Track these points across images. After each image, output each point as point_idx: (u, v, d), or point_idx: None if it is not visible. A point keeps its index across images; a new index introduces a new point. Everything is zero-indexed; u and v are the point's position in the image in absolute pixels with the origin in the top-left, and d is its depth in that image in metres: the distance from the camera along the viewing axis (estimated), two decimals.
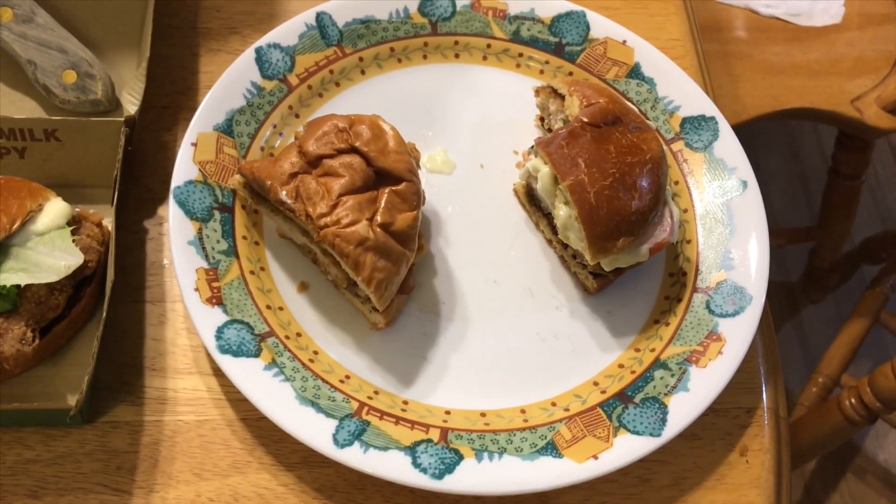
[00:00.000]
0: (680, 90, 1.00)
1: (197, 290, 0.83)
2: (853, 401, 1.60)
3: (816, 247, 2.17)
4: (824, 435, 1.70)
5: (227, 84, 0.94)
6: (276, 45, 0.98)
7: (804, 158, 2.43)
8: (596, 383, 0.87)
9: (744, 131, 1.71)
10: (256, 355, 0.82)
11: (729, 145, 0.97)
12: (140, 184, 0.94)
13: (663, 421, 0.82)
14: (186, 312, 0.87)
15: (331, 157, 0.84)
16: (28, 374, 0.82)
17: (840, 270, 2.22)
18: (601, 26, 1.03)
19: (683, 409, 0.83)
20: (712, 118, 0.99)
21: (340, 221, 0.81)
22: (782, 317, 2.24)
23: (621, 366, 0.88)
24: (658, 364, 0.86)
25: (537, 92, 0.99)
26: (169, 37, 1.03)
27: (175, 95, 1.00)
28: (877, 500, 2.04)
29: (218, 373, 0.85)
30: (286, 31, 0.99)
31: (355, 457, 0.78)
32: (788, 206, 2.38)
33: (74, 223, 0.84)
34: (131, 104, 0.91)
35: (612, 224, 0.84)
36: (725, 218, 0.94)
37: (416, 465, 0.78)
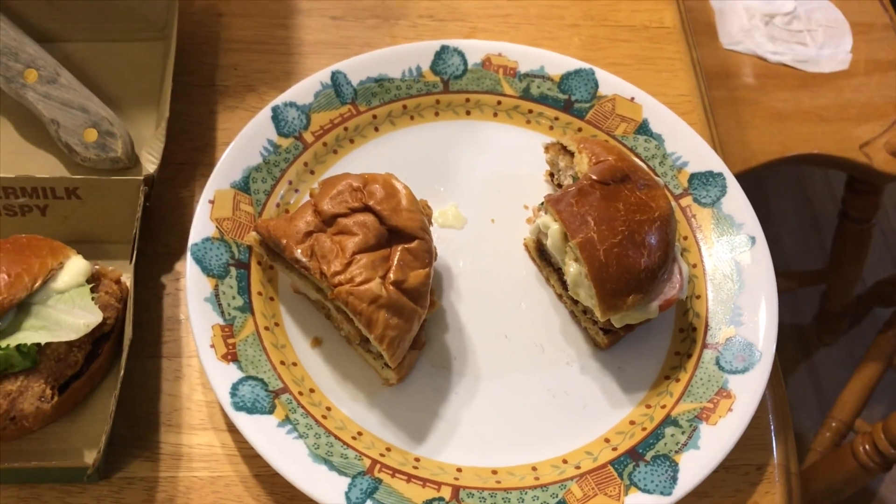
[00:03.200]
0: (688, 146, 1.02)
1: (213, 346, 0.85)
2: (867, 447, 1.59)
3: (828, 290, 2.18)
4: (838, 482, 1.68)
5: (244, 142, 0.97)
6: (292, 104, 1.00)
7: (815, 201, 2.44)
8: (607, 440, 0.87)
9: (753, 175, 1.72)
10: (270, 412, 0.83)
11: (737, 201, 0.99)
12: (158, 239, 0.96)
13: (674, 479, 0.82)
14: (202, 368, 0.89)
15: (345, 215, 0.86)
16: (46, 430, 0.83)
17: (852, 313, 2.22)
18: (609, 83, 1.05)
19: (694, 466, 0.83)
20: (720, 174, 1.00)
21: (354, 279, 0.82)
22: (795, 360, 2.23)
23: (632, 422, 0.88)
24: (669, 421, 0.87)
25: (547, 148, 1.00)
26: (188, 94, 1.06)
27: (193, 152, 1.02)
28: None
29: (232, 428, 0.86)
30: (302, 90, 1.01)
31: None
32: (800, 249, 2.38)
33: (93, 280, 0.85)
34: (150, 163, 0.93)
35: (622, 281, 0.85)
36: (734, 273, 0.95)
37: None
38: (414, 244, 0.85)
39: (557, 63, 1.06)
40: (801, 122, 1.83)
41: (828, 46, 1.92)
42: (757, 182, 2.44)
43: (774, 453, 0.90)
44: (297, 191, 0.98)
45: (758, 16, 1.93)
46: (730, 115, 1.79)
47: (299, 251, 0.84)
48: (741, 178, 1.69)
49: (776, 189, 2.43)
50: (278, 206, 0.96)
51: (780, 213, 2.40)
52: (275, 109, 0.99)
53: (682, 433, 0.85)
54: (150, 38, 1.07)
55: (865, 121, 1.83)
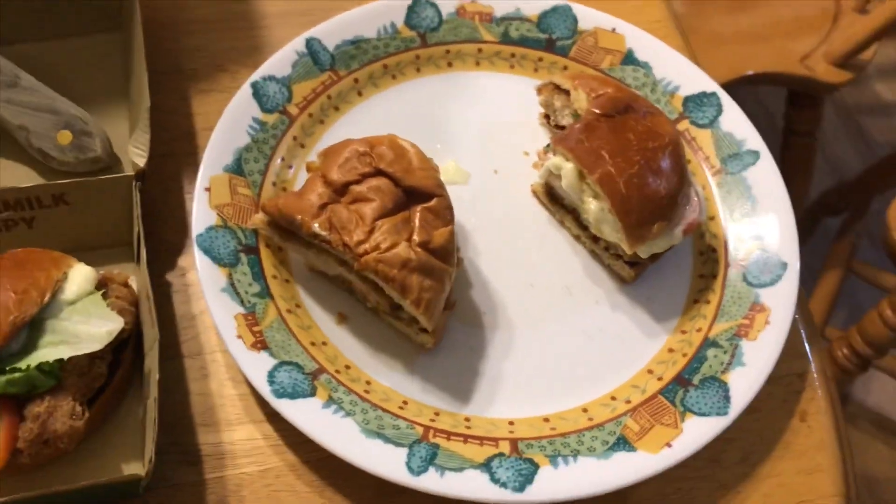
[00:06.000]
0: (677, 70, 1.01)
1: (240, 337, 0.81)
2: (845, 351, 1.64)
3: None
4: None
5: (230, 123, 0.92)
6: (271, 78, 0.96)
7: (753, 122, 2.48)
8: (650, 371, 0.86)
9: None
10: (312, 394, 0.80)
11: (734, 118, 0.98)
12: (154, 236, 0.91)
13: (727, 398, 0.82)
14: (228, 361, 0.85)
15: (357, 182, 0.82)
16: (78, 450, 0.78)
17: (803, 227, 2.26)
18: (588, 17, 1.04)
19: (744, 383, 0.83)
20: (713, 94, 1.00)
21: (380, 246, 0.79)
22: None
23: (671, 350, 0.88)
24: (708, 343, 0.87)
25: (539, 90, 0.98)
26: (156, 83, 1.00)
27: (173, 142, 0.97)
28: (871, 444, 2.08)
29: (271, 418, 0.83)
30: (279, 62, 0.97)
31: (433, 482, 0.76)
32: None
33: (101, 286, 0.80)
34: (139, 157, 0.88)
35: (646, 211, 0.84)
36: (743, 189, 0.95)
37: (494, 480, 0.77)
38: (433, 202, 0.83)
39: (533, 3, 1.04)
40: (741, 43, 1.85)
41: None
42: None
43: (811, 359, 0.90)
44: (290, 167, 0.94)
45: None
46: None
47: (317, 225, 0.81)
48: None
49: None
50: (275, 184, 0.92)
51: None
52: (254, 85, 0.95)
53: (725, 353, 0.85)
54: (104, 30, 1.01)
55: (802, 34, 1.86)
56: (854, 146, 2.54)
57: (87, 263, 0.82)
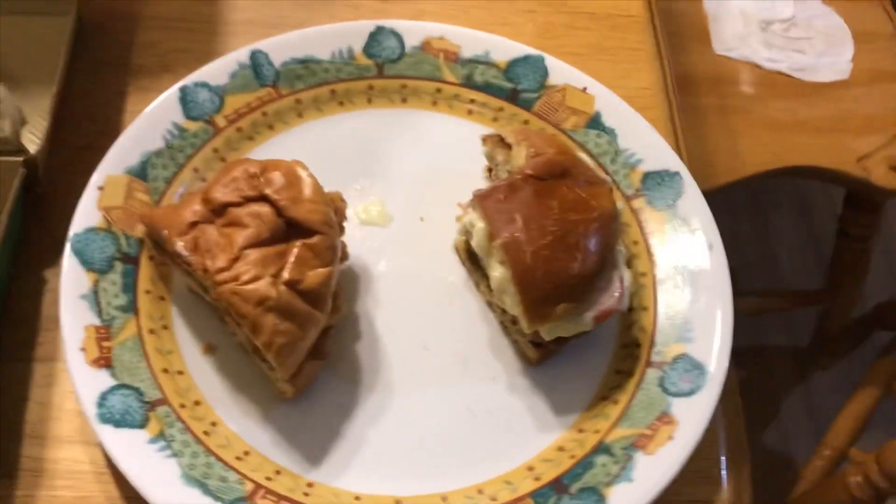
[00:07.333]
0: (643, 142, 0.91)
1: (83, 349, 0.75)
2: (859, 479, 1.48)
3: (826, 310, 2.06)
4: None
5: (146, 124, 0.87)
6: (203, 84, 0.90)
7: (815, 217, 2.33)
8: (531, 468, 0.76)
9: (748, 188, 1.61)
10: (142, 426, 0.73)
11: (694, 204, 0.88)
12: (46, 230, 0.86)
13: None
14: None
15: (237, 205, 0.76)
16: None
17: (851, 336, 2.11)
18: (561, 72, 0.95)
19: (624, 502, 0.72)
20: (676, 174, 0.89)
21: (240, 277, 0.72)
22: (790, 383, 2.12)
23: (561, 449, 0.77)
24: (601, 448, 0.76)
25: (485, 140, 0.90)
26: (97, 72, 0.97)
27: (96, 135, 0.93)
28: None
29: None
30: (216, 70, 0.91)
31: None
32: (798, 267, 2.27)
33: None
34: (33, 143, 0.83)
35: (551, 288, 0.75)
36: (686, 284, 0.84)
37: None
38: (315, 239, 0.75)
39: (504, 48, 0.96)
40: (796, 133, 1.72)
41: (827, 55, 1.82)
42: (754, 196, 2.33)
43: (724, 489, 0.79)
44: (203, 180, 0.88)
45: (754, 22, 1.83)
46: (720, 124, 1.69)
47: (181, 244, 0.74)
48: (730, 188, 1.59)
49: (773, 203, 2.32)
50: (181, 196, 0.87)
51: (778, 229, 2.29)
52: (183, 90, 0.90)
53: (615, 463, 0.75)
54: (58, 13, 0.97)
55: (865, 133, 1.72)
56: None
57: None
